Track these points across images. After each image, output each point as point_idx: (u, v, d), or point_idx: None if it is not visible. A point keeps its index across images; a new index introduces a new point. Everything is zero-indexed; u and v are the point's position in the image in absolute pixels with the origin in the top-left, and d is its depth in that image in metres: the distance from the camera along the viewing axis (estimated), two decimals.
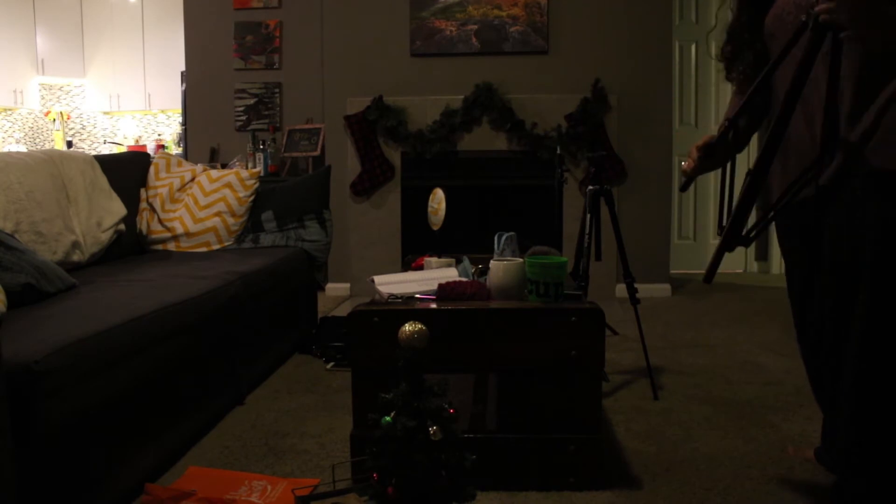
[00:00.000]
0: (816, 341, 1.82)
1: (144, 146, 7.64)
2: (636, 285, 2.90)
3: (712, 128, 5.60)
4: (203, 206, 3.42)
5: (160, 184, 3.49)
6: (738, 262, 5.71)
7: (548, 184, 4.67)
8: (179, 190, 3.49)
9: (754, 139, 2.78)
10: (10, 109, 7.29)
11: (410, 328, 1.50)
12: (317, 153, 4.88)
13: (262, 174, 3.95)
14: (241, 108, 5.11)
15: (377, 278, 2.16)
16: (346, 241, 4.80)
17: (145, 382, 1.95)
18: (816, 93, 1.58)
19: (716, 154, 1.79)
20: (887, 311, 1.55)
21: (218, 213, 3.42)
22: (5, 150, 6.88)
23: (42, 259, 2.20)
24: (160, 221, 3.39)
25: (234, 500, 1.87)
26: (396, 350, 1.51)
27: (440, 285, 2.05)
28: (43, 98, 7.67)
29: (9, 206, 2.47)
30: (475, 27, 4.64)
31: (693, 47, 5.58)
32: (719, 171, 1.84)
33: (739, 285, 5.11)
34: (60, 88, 7.82)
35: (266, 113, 5.10)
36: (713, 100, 5.59)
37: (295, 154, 4.95)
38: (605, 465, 1.99)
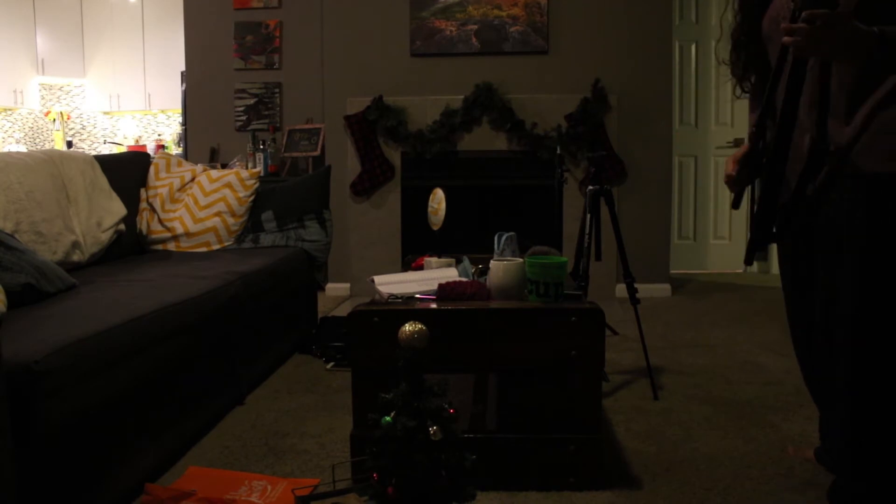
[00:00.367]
0: (808, 339, 1.83)
1: (144, 146, 7.64)
2: (636, 285, 2.90)
3: (712, 128, 5.61)
4: (203, 206, 3.42)
5: (160, 184, 3.49)
6: (738, 262, 5.71)
7: (548, 184, 4.67)
8: (179, 190, 3.49)
9: None
10: (10, 109, 7.29)
11: (410, 328, 1.50)
12: (317, 153, 4.88)
13: (262, 174, 3.95)
14: (241, 108, 5.11)
15: (377, 278, 2.16)
16: (346, 241, 4.80)
17: (145, 382, 1.95)
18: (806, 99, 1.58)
19: (757, 163, 1.75)
20: (877, 310, 1.56)
21: (218, 213, 3.42)
22: (5, 150, 6.88)
23: (42, 259, 2.20)
24: (160, 221, 3.39)
25: (234, 500, 1.87)
26: (396, 350, 1.51)
27: (440, 285, 2.05)
28: (43, 98, 7.67)
29: (9, 206, 2.47)
30: (475, 27, 4.64)
31: (693, 47, 5.58)
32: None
33: (739, 285, 5.11)
34: (60, 88, 7.82)
35: (266, 113, 5.10)
36: (713, 100, 5.58)
37: (295, 154, 4.95)
38: (605, 465, 1.99)
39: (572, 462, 1.93)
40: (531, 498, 1.90)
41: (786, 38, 1.44)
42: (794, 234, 1.79)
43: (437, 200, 2.57)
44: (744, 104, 5.03)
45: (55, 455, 1.57)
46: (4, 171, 2.55)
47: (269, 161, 4.95)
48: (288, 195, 3.59)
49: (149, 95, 7.52)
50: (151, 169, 3.54)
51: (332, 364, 3.14)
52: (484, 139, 4.65)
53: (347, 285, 4.84)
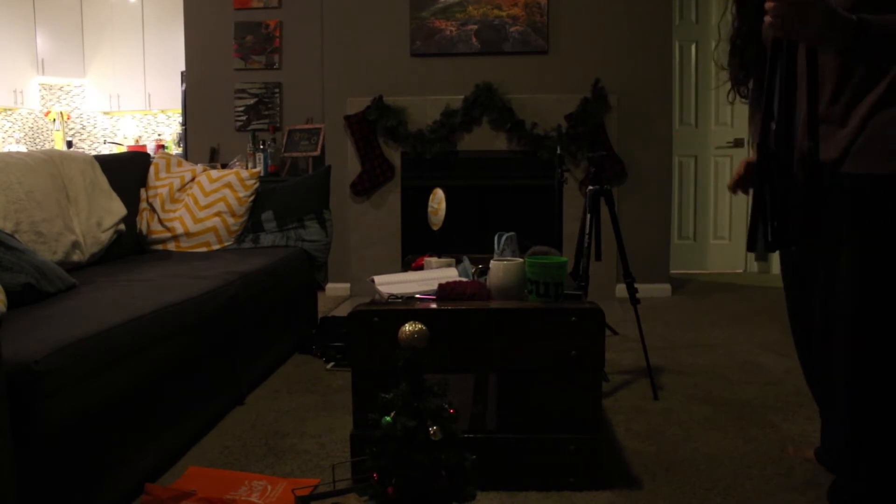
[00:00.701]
0: (808, 339, 1.83)
1: (144, 146, 7.64)
2: (636, 285, 2.90)
3: (712, 128, 5.61)
4: (203, 206, 3.42)
5: (160, 184, 3.49)
6: (738, 262, 5.71)
7: (548, 184, 4.67)
8: (179, 190, 3.49)
9: None
10: (10, 109, 7.29)
11: (410, 328, 1.50)
12: (317, 153, 4.88)
13: (262, 174, 3.95)
14: (241, 108, 5.11)
15: (377, 278, 2.16)
16: (346, 241, 4.80)
17: (145, 382, 1.95)
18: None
19: (764, 168, 1.66)
20: (876, 310, 1.57)
21: (218, 213, 3.42)
22: (5, 150, 6.88)
23: (42, 259, 2.20)
24: (160, 221, 3.39)
25: (234, 500, 1.87)
26: (396, 350, 1.51)
27: (440, 285, 2.06)
28: (43, 98, 7.67)
29: (9, 206, 2.47)
30: (475, 27, 4.65)
31: (693, 47, 5.58)
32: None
33: (739, 285, 5.11)
34: (60, 88, 7.82)
35: (266, 113, 5.10)
36: (713, 100, 5.58)
37: (295, 154, 4.95)
38: (605, 465, 1.99)
39: (572, 462, 1.93)
40: (531, 498, 1.90)
41: (766, 19, 1.41)
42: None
43: (437, 200, 2.57)
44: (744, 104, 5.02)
45: (55, 455, 1.57)
46: (4, 171, 2.55)
47: (269, 161, 4.95)
48: (288, 195, 3.59)
49: (149, 95, 7.52)
50: (151, 169, 3.54)
51: (332, 364, 3.14)
52: (484, 139, 4.65)
53: (347, 285, 4.84)
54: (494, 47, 4.65)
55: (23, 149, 7.36)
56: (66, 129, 7.92)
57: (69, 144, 7.86)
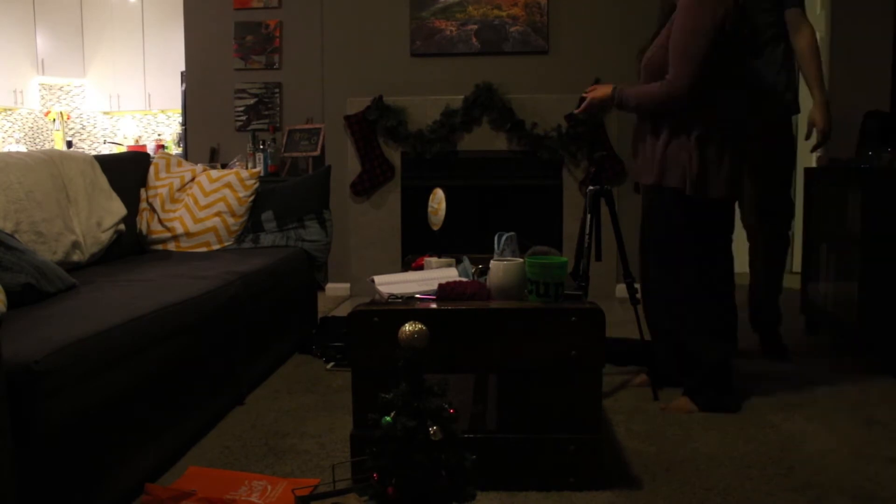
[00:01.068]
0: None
1: (144, 146, 7.64)
2: (636, 285, 2.90)
3: None
4: (203, 206, 3.42)
5: (160, 184, 3.49)
6: (737, 262, 5.69)
7: (548, 184, 4.69)
8: (179, 190, 3.49)
9: None
10: (10, 109, 7.29)
11: (410, 328, 1.50)
12: (317, 153, 4.88)
13: (262, 174, 3.95)
14: (241, 108, 5.11)
15: (377, 278, 2.16)
16: (346, 241, 4.80)
17: (145, 382, 1.95)
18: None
19: None
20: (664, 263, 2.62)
21: (218, 213, 3.42)
22: (5, 150, 6.88)
23: (42, 259, 2.20)
24: (160, 221, 3.39)
25: (234, 500, 1.87)
26: (396, 350, 1.51)
27: (440, 285, 2.05)
28: (43, 98, 7.68)
29: (9, 206, 2.47)
30: (475, 27, 4.64)
31: None
32: None
33: (739, 285, 5.09)
34: (60, 88, 7.82)
35: (266, 113, 5.10)
36: None
37: (295, 154, 4.95)
38: (605, 465, 1.99)
39: (572, 462, 1.93)
40: (531, 498, 1.90)
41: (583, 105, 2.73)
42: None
43: (437, 200, 2.57)
44: None
45: (55, 455, 1.57)
46: (4, 171, 2.55)
47: (269, 161, 4.95)
48: (288, 195, 3.59)
49: (149, 95, 7.53)
50: (151, 169, 3.54)
51: (332, 364, 3.14)
52: (484, 139, 4.65)
53: (347, 285, 4.84)
54: (494, 47, 4.65)
55: (23, 149, 7.36)
56: (66, 129, 7.92)
57: (69, 144, 7.86)
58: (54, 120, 7.80)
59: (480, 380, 2.28)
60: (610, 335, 2.47)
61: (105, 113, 7.90)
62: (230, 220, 3.43)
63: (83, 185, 2.98)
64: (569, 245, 3.91)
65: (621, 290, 4.51)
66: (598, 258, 3.03)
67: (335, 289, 4.86)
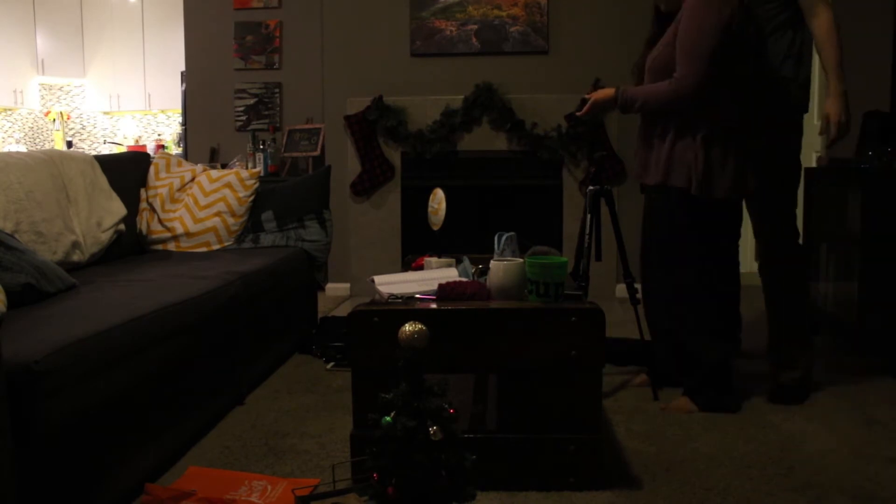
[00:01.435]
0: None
1: (144, 146, 7.64)
2: (636, 285, 2.90)
3: None
4: (203, 206, 3.42)
5: (160, 184, 3.49)
6: (743, 263, 5.69)
7: (548, 184, 4.68)
8: (179, 190, 3.49)
9: None
10: (10, 109, 7.29)
11: (410, 328, 1.50)
12: (317, 153, 4.88)
13: (262, 174, 3.94)
14: (241, 108, 5.11)
15: (377, 278, 2.16)
16: (346, 241, 4.80)
17: (145, 382, 1.95)
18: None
19: None
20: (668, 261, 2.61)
21: (218, 213, 3.42)
22: (5, 150, 6.88)
23: (42, 259, 2.20)
24: (160, 221, 3.39)
25: (234, 500, 1.87)
26: (396, 350, 1.51)
27: (440, 285, 2.05)
28: (43, 98, 7.68)
29: (9, 206, 2.47)
30: (475, 27, 4.64)
31: None
32: None
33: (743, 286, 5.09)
34: (60, 88, 7.82)
35: (266, 113, 5.10)
36: None
37: (295, 154, 4.95)
38: (605, 465, 1.99)
39: (572, 462, 1.93)
40: (531, 498, 1.90)
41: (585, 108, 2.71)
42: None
43: (437, 200, 2.57)
44: None
45: (55, 455, 1.57)
46: (4, 171, 2.55)
47: (269, 161, 4.95)
48: (288, 195, 3.59)
49: (149, 95, 7.52)
50: (151, 169, 3.54)
51: (332, 364, 3.14)
52: (484, 139, 4.65)
53: (347, 285, 4.84)
54: (494, 47, 4.65)
55: (23, 149, 7.36)
56: (66, 129, 7.92)
57: (69, 144, 7.87)
58: (54, 120, 7.80)
59: (480, 380, 2.28)
60: (610, 335, 2.47)
61: (105, 113, 7.90)
62: (230, 220, 3.43)
63: (83, 185, 2.98)
64: (569, 245, 3.91)
65: (621, 290, 4.51)
66: (598, 258, 3.03)
67: (335, 289, 4.86)
